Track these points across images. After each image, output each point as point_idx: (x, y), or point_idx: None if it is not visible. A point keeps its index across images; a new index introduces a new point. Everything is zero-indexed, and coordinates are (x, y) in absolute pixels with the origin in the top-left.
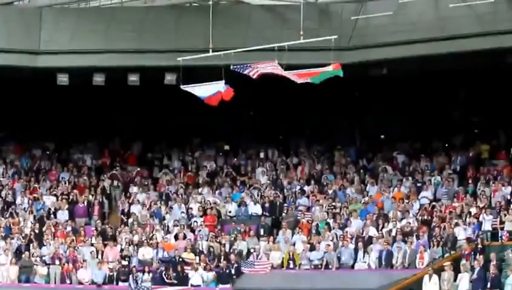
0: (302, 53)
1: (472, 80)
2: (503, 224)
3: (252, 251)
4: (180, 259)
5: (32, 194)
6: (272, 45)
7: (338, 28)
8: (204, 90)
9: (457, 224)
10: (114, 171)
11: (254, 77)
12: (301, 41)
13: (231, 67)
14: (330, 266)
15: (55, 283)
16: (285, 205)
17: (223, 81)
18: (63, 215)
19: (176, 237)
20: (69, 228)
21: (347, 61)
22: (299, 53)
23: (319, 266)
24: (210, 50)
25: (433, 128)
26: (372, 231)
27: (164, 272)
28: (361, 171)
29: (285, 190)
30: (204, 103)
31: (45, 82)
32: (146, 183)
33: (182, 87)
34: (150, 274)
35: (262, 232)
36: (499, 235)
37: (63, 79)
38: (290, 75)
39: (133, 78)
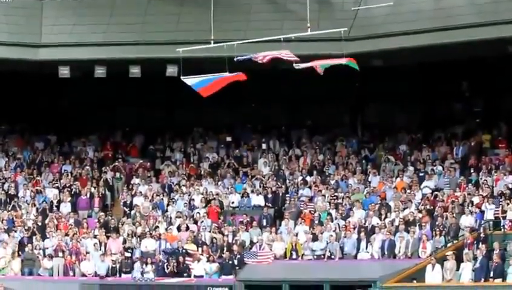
0: (304, 44)
1: (473, 70)
2: (505, 213)
3: (254, 241)
4: (183, 250)
5: (35, 186)
6: (278, 37)
7: (339, 18)
8: (203, 78)
9: (459, 213)
10: (116, 163)
11: (264, 61)
12: (307, 33)
13: (235, 59)
14: (333, 256)
15: (58, 275)
16: (288, 195)
17: (227, 73)
18: (65, 207)
19: (179, 229)
20: (71, 220)
21: (348, 51)
22: (301, 44)
23: (322, 256)
24: (212, 42)
25: (434, 118)
26: (375, 221)
27: (166, 264)
28: (363, 161)
29: (287, 181)
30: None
31: (47, 75)
32: (148, 175)
33: (182, 78)
34: (153, 266)
35: (264, 223)
36: (502, 224)
37: (64, 72)
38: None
39: (134, 71)
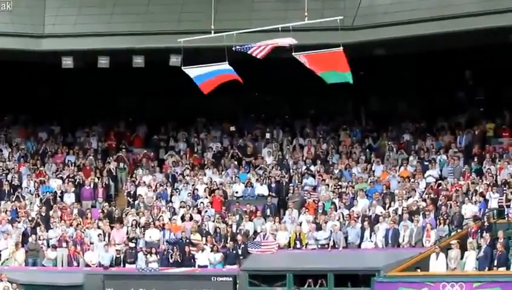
0: (306, 33)
1: (476, 58)
2: (509, 202)
3: (258, 231)
4: (187, 240)
5: (39, 177)
6: (276, 26)
7: (342, 7)
8: (205, 71)
9: (463, 202)
10: (120, 154)
11: (259, 57)
12: (305, 22)
13: (233, 48)
14: (337, 246)
15: (62, 265)
16: (291, 185)
17: (226, 62)
18: (69, 198)
19: (183, 219)
20: (75, 211)
21: (351, 41)
22: (303, 33)
23: (326, 246)
24: (212, 31)
25: (437, 107)
26: (378, 210)
27: (171, 254)
28: (367, 150)
29: (291, 170)
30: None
31: (50, 65)
32: (152, 165)
33: (183, 68)
34: (157, 256)
35: (268, 213)
36: (505, 212)
37: (67, 62)
38: (299, 56)
39: (138, 60)
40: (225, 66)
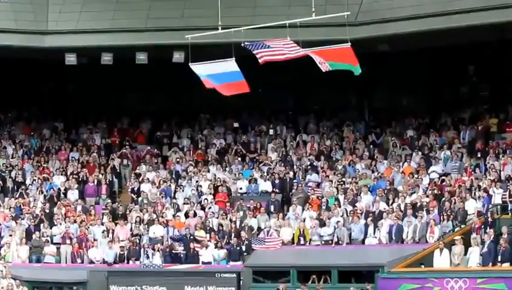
0: (311, 29)
1: (480, 54)
2: None
3: (262, 227)
4: (191, 237)
5: (42, 174)
6: (283, 22)
7: (345, 3)
8: (212, 71)
9: (467, 198)
10: (124, 150)
11: (261, 61)
12: (312, 18)
13: (242, 44)
14: (341, 242)
15: (66, 262)
16: (295, 181)
17: (233, 58)
18: (73, 195)
19: (186, 215)
20: (79, 208)
21: (355, 36)
22: (308, 29)
23: (330, 242)
24: (220, 28)
25: (441, 102)
26: (382, 206)
27: (174, 250)
28: (371, 146)
29: (294, 167)
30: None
31: (53, 62)
32: (155, 161)
33: (190, 64)
34: (161, 252)
35: (272, 209)
36: (509, 208)
37: (71, 59)
38: (309, 52)
39: (141, 57)
40: (233, 66)
